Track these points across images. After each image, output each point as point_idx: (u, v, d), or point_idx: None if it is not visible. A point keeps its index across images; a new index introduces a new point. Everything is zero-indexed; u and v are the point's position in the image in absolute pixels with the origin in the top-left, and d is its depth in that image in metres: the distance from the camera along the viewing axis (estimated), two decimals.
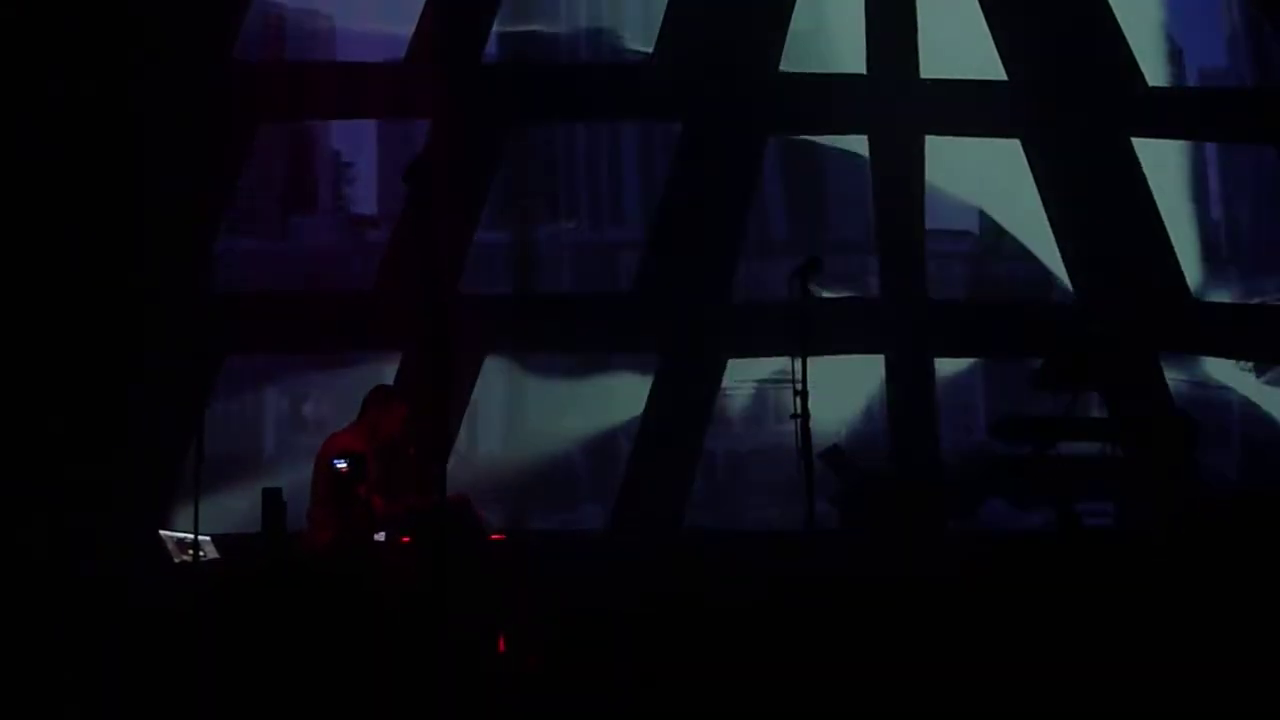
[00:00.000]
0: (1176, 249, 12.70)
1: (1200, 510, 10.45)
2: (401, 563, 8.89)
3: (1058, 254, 12.72)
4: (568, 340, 12.97)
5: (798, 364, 8.46)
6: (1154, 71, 13.06)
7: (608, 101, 13.16)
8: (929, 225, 12.76)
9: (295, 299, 12.97)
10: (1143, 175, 12.63)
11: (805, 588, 8.53)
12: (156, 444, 11.77)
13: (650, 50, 12.95)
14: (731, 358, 12.74)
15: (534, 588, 9.13)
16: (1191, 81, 14.10)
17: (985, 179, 13.26)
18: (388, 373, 12.07)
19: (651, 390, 12.58)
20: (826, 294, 8.96)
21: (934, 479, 12.00)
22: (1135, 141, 12.67)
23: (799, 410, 8.52)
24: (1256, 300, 13.38)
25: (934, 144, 12.74)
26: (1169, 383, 12.43)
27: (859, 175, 12.95)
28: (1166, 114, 12.97)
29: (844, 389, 12.57)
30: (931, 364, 12.63)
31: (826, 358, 9.06)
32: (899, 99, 12.74)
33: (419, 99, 12.65)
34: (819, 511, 8.63)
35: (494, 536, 9.45)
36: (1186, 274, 12.74)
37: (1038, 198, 12.70)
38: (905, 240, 12.67)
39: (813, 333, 8.52)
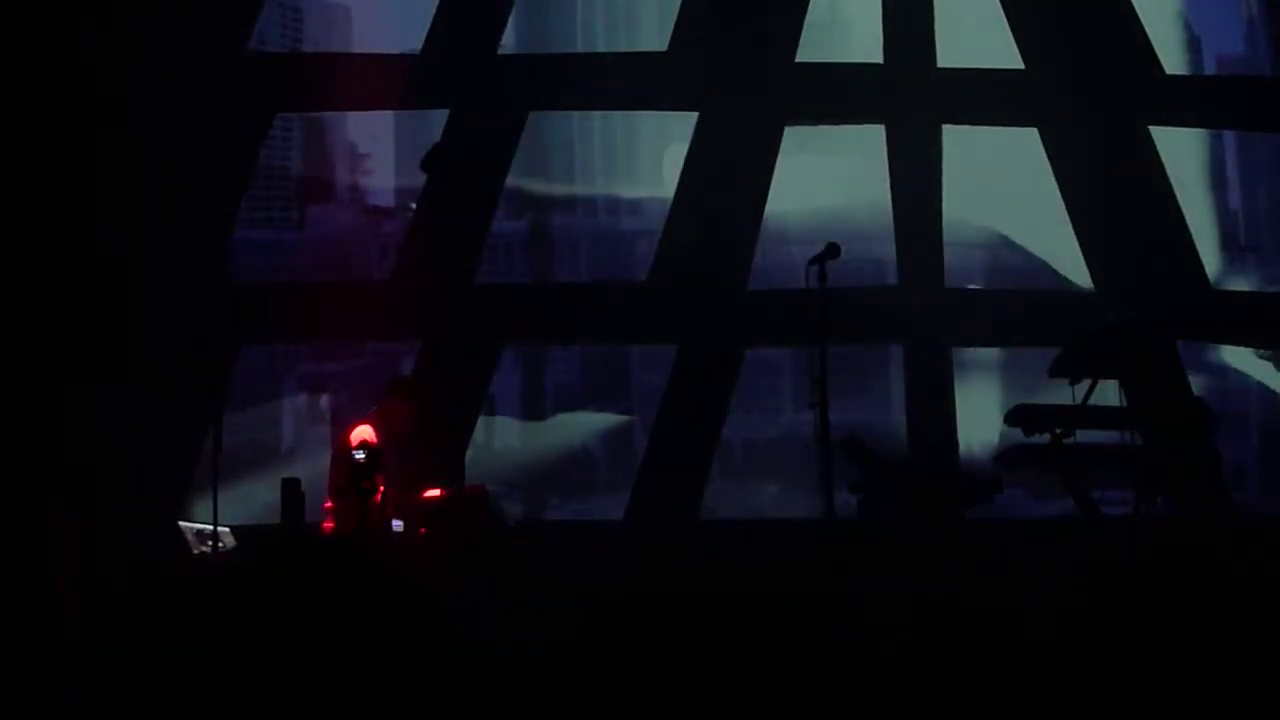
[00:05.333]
0: (1195, 237, 12.66)
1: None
2: (418, 552, 8.92)
3: (1075, 242, 12.69)
4: (585, 330, 12.98)
5: (816, 352, 8.47)
6: (1172, 60, 13.01)
7: (625, 91, 13.14)
8: (945, 214, 12.76)
9: (312, 289, 12.97)
10: (1160, 164, 12.58)
11: (823, 577, 8.53)
12: (174, 435, 11.79)
13: (666, 43, 12.94)
14: (749, 347, 12.73)
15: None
16: (1209, 70, 14.07)
17: (1002, 168, 13.24)
18: (405, 363, 12.08)
19: (669, 380, 12.58)
20: (844, 283, 8.91)
21: (951, 468, 11.99)
22: (1153, 130, 12.62)
23: (818, 399, 8.53)
24: (1275, 288, 13.35)
25: (951, 133, 12.72)
26: (1187, 371, 12.40)
27: (876, 164, 12.93)
28: (1184, 102, 12.91)
29: (862, 377, 12.56)
30: (949, 352, 12.61)
31: (845, 346, 9.05)
32: (916, 88, 12.72)
33: (436, 91, 12.65)
34: (837, 500, 8.65)
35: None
36: (1205, 262, 12.70)
37: (1055, 186, 12.67)
38: (923, 229, 12.65)
39: (831, 321, 8.53)
